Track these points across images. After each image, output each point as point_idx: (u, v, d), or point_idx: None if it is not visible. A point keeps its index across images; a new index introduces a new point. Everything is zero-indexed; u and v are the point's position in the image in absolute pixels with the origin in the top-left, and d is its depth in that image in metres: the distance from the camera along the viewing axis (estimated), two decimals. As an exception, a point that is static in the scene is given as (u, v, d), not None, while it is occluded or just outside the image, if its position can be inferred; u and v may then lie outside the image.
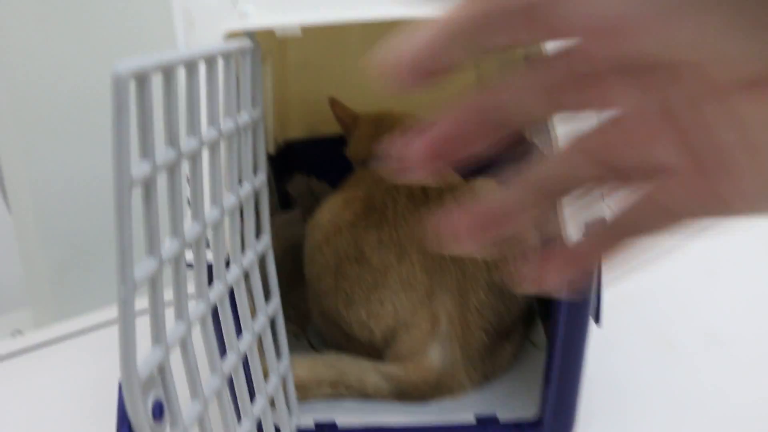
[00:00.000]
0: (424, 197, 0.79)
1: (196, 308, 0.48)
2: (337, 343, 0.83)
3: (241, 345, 0.56)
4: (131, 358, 0.37)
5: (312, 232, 0.81)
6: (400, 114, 1.03)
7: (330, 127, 1.09)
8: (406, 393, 0.73)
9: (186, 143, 0.45)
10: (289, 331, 0.90)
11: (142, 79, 0.38)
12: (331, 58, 1.14)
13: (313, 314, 0.83)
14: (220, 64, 0.51)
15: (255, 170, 0.62)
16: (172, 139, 0.43)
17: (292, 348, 0.87)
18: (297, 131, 1.15)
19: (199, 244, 0.47)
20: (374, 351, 0.77)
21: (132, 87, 0.36)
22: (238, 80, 0.56)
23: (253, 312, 0.63)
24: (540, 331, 0.83)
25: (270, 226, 0.96)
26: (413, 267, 0.74)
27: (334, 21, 0.56)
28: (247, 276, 0.60)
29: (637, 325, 0.92)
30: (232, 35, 0.57)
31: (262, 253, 0.64)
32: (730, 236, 1.19)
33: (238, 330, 0.58)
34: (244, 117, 0.57)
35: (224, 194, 0.54)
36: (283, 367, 0.66)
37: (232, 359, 0.53)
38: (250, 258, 0.60)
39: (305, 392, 0.74)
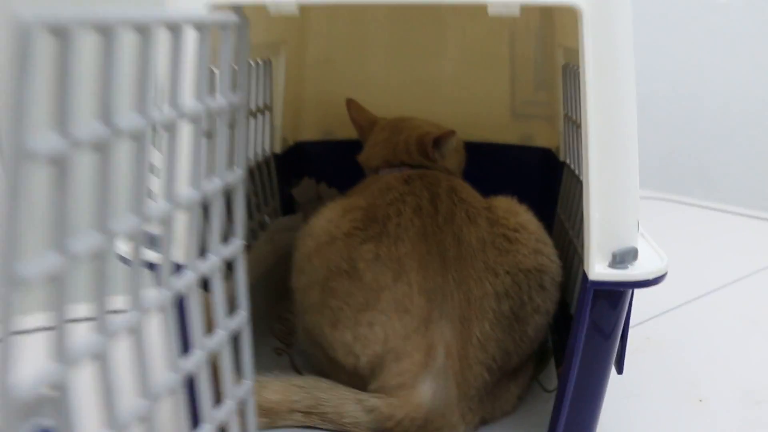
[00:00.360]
0: (433, 211, 0.70)
1: (127, 317, 0.40)
2: (320, 366, 0.74)
3: (187, 364, 0.48)
4: (6, 373, 0.29)
5: (303, 239, 0.73)
6: (421, 121, 0.94)
7: (347, 131, 1.01)
8: (387, 430, 0.64)
9: (126, 120, 0.37)
10: (271, 348, 0.82)
11: (62, 35, 0.30)
12: (355, 56, 1.07)
13: (298, 330, 0.75)
14: (191, 35, 0.43)
15: (231, 164, 0.53)
16: (104, 114, 0.35)
17: (272, 366, 0.79)
18: (311, 133, 1.07)
19: (135, 240, 0.39)
20: (359, 379, 0.68)
21: (47, 43, 0.29)
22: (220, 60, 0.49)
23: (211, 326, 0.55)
24: (553, 375, 0.73)
25: (264, 230, 0.89)
26: (411, 288, 0.65)
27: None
28: (208, 284, 0.52)
29: (664, 376, 0.82)
30: (218, 7, 0.49)
31: (230, 259, 0.56)
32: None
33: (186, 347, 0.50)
34: (220, 101, 0.49)
35: (182, 186, 0.46)
36: (242, 390, 0.58)
37: (170, 380, 0.45)
38: (211, 263, 0.52)
39: (274, 418, 0.66)
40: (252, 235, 0.85)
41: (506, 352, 0.67)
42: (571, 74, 0.83)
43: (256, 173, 0.88)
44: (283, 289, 0.90)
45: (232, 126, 0.58)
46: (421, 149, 0.90)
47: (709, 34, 1.76)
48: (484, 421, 0.67)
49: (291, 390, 0.67)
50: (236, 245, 0.57)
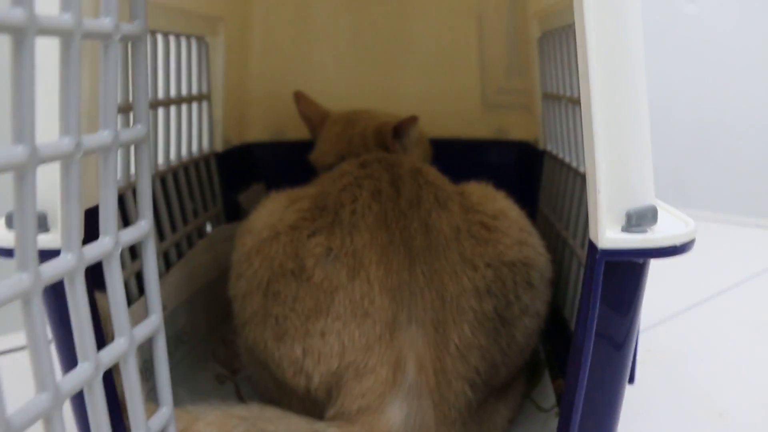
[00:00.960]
0: (394, 194, 0.58)
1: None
2: (268, 392, 0.61)
3: (68, 380, 0.35)
4: None
5: (241, 238, 0.61)
6: (377, 111, 0.83)
7: (300, 130, 0.89)
8: (352, 467, 0.51)
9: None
10: (212, 374, 0.69)
11: None
12: (306, 43, 0.95)
13: (241, 350, 0.62)
14: None
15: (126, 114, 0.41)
16: None
17: (212, 395, 0.65)
18: (258, 133, 0.95)
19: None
20: (313, 405, 0.55)
21: None
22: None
23: (110, 334, 0.42)
24: (548, 390, 0.61)
25: (206, 237, 0.76)
26: (370, 287, 0.53)
27: None
28: (96, 277, 0.39)
29: (675, 391, 0.70)
30: None
31: (136, 244, 0.43)
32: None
33: (72, 360, 0.37)
34: (104, 21, 0.37)
35: (47, 132, 0.34)
36: (159, 422, 0.44)
37: (41, 406, 0.32)
38: (103, 247, 0.39)
39: (211, 458, 0.52)
40: (188, 243, 0.72)
41: (492, 362, 0.54)
42: (549, 42, 0.72)
43: (192, 172, 0.75)
44: (225, 306, 0.77)
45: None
46: (379, 141, 0.79)
47: (679, 45, 1.70)
48: (468, 450, 0.55)
49: (230, 422, 0.53)
50: (142, 228, 0.44)
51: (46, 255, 0.34)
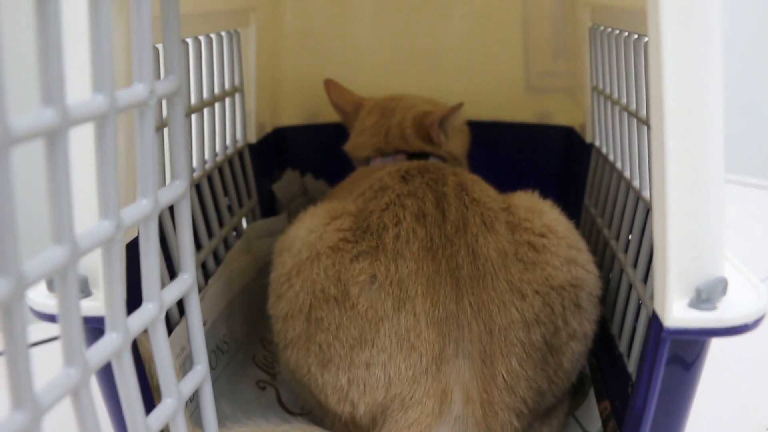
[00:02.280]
0: (440, 218, 0.56)
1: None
2: (309, 407, 0.61)
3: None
4: None
5: (280, 255, 0.59)
6: (413, 98, 0.80)
7: (333, 113, 0.86)
8: (397, 498, 0.51)
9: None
10: (252, 381, 0.69)
11: None
12: (339, 25, 0.92)
13: (280, 361, 0.61)
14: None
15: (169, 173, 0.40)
16: None
17: (254, 404, 0.65)
18: (291, 117, 0.93)
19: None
20: (357, 429, 0.55)
21: None
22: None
23: (159, 395, 0.41)
24: (593, 412, 0.60)
25: (240, 237, 0.75)
26: (417, 319, 0.52)
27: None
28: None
29: (715, 400, 0.68)
30: None
31: (180, 299, 0.42)
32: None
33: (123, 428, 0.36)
34: (141, 207, 0.35)
35: (85, 220, 0.32)
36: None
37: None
38: (148, 314, 0.38)
39: (256, 483, 0.53)
40: (224, 245, 0.71)
41: (539, 392, 0.53)
42: (603, 38, 0.68)
43: (227, 170, 0.74)
44: (264, 304, 0.77)
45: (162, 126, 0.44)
46: (420, 132, 0.76)
47: None
48: (512, 477, 0.54)
49: (273, 447, 0.53)
50: (186, 283, 0.43)
51: (89, 321, 0.34)
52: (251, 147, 0.82)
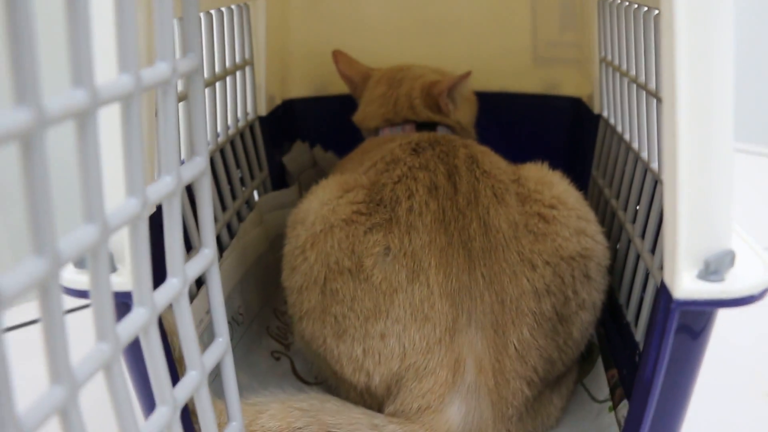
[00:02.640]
0: (451, 191, 0.57)
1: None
2: (324, 377, 0.62)
3: (151, 425, 0.36)
4: None
5: (294, 228, 0.60)
6: (420, 68, 0.80)
7: (342, 84, 0.87)
8: (411, 462, 0.53)
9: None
10: (267, 351, 0.70)
11: None
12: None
13: (294, 332, 0.62)
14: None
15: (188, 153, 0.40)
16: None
17: (269, 374, 0.67)
18: (300, 89, 0.93)
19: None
20: (371, 397, 0.56)
21: None
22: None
23: (182, 367, 0.43)
24: (600, 380, 0.61)
25: (252, 210, 0.76)
26: (430, 290, 0.53)
27: None
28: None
29: (717, 367, 0.69)
30: None
31: (201, 274, 0.43)
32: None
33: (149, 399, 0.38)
34: (164, 184, 0.36)
35: (113, 198, 0.33)
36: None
37: None
38: (172, 289, 0.39)
39: (275, 449, 0.54)
40: (237, 217, 0.72)
41: (549, 360, 0.55)
42: (612, 10, 0.68)
43: (238, 143, 0.74)
44: (277, 276, 0.78)
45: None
46: (429, 102, 0.77)
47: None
48: (523, 442, 0.56)
49: (293, 415, 0.55)
50: (206, 258, 0.44)
51: (116, 296, 0.35)
52: (261, 119, 0.82)
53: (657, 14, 0.52)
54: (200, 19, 0.52)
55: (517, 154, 0.89)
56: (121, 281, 0.42)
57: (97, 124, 0.29)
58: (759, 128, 1.65)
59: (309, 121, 0.93)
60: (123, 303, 0.40)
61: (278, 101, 0.88)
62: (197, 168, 0.41)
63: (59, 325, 0.28)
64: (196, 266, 0.42)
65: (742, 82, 1.55)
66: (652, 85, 0.56)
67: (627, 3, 0.62)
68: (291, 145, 0.91)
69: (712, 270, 0.36)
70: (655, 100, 0.55)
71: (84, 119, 0.29)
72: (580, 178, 0.82)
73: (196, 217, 0.58)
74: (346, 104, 0.86)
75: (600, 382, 0.61)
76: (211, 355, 0.44)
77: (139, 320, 0.36)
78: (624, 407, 0.55)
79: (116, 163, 0.34)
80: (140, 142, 0.33)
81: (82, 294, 0.42)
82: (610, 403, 0.58)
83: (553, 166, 0.85)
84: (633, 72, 0.62)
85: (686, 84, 0.36)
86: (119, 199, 0.34)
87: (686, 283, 0.36)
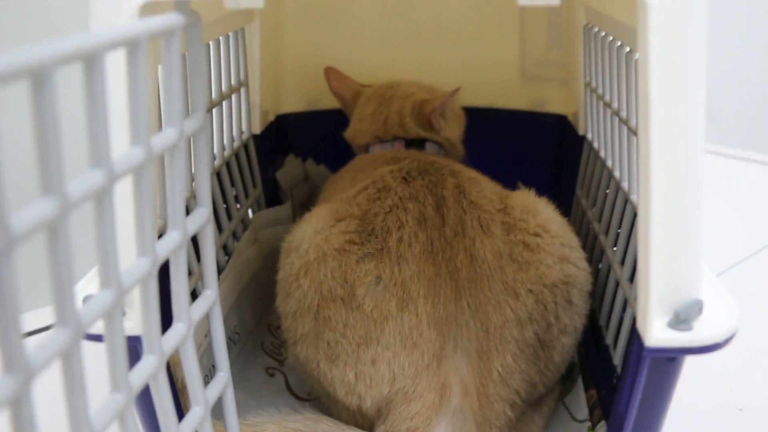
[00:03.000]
0: (439, 222, 0.60)
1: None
2: (317, 395, 0.65)
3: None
4: None
5: (288, 256, 0.63)
6: (409, 85, 0.83)
7: (334, 99, 0.89)
8: (400, 481, 0.56)
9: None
10: (262, 368, 0.73)
11: None
12: (339, 13, 0.93)
13: (289, 353, 0.65)
14: (117, 60, 0.32)
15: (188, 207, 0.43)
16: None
17: (264, 390, 0.70)
18: (293, 104, 0.95)
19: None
20: (363, 418, 0.59)
21: None
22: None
23: (185, 396, 0.45)
24: (580, 399, 0.65)
25: (247, 228, 0.78)
26: (419, 319, 0.56)
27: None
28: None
29: (693, 382, 0.73)
30: (151, 6, 0.37)
31: (205, 316, 0.45)
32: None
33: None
34: (169, 135, 0.38)
35: (126, 259, 0.35)
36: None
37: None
38: (180, 333, 0.41)
39: (271, 466, 0.57)
40: (233, 236, 0.74)
41: (531, 383, 0.58)
42: (597, 39, 0.71)
43: (234, 165, 0.77)
44: (269, 291, 0.81)
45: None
46: (420, 119, 0.80)
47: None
48: (506, 461, 0.59)
49: (286, 432, 0.58)
50: (209, 299, 0.46)
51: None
52: (255, 137, 0.84)
53: (638, 58, 0.54)
54: (205, 76, 0.53)
55: (505, 169, 0.92)
56: (131, 326, 0.44)
57: (112, 199, 0.32)
58: (748, 132, 1.68)
59: (301, 136, 0.96)
60: (132, 346, 0.43)
61: (272, 117, 0.91)
62: (201, 219, 0.43)
63: (80, 387, 0.30)
64: (199, 308, 0.45)
65: (737, 86, 1.58)
66: (633, 123, 0.58)
67: (611, 37, 0.64)
68: (283, 159, 0.93)
69: (682, 319, 0.39)
70: (635, 138, 0.58)
71: (101, 196, 0.31)
72: (566, 195, 0.86)
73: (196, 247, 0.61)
74: (338, 119, 0.89)
75: (580, 401, 0.64)
76: (213, 389, 0.47)
77: (149, 368, 0.38)
78: (602, 428, 0.58)
79: (128, 229, 0.36)
80: (151, 206, 0.36)
81: (96, 338, 0.44)
82: (589, 424, 0.61)
83: (540, 181, 0.88)
84: (615, 105, 0.64)
85: (658, 157, 0.39)
86: (131, 258, 0.36)
87: (657, 332, 0.39)
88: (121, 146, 0.34)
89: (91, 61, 0.29)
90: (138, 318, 0.45)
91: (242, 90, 0.80)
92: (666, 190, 0.39)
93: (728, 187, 1.28)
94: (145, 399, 0.49)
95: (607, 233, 0.67)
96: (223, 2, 0.40)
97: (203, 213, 0.43)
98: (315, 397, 0.67)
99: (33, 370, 0.27)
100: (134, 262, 0.36)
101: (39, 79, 0.25)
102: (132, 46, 0.32)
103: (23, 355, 0.26)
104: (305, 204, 0.91)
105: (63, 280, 0.29)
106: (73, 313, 0.30)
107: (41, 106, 0.26)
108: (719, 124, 1.68)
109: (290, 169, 0.92)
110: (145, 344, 0.38)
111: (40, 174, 0.27)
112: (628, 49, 0.58)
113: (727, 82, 1.70)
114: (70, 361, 0.30)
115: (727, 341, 0.39)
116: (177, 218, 0.40)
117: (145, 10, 0.36)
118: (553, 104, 0.91)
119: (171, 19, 0.35)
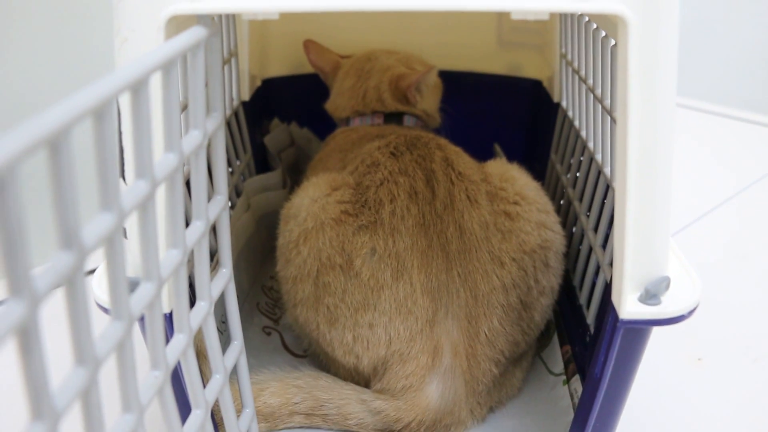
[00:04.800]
0: (429, 194, 0.64)
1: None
2: (314, 353, 0.70)
3: (189, 426, 0.43)
4: None
5: (286, 223, 0.66)
6: (387, 57, 0.85)
7: (317, 63, 0.91)
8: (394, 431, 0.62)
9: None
10: (258, 327, 0.78)
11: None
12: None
13: (288, 315, 0.70)
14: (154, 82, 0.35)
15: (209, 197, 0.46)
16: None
17: (261, 348, 0.74)
18: (278, 68, 0.97)
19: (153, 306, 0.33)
20: (359, 375, 0.64)
21: None
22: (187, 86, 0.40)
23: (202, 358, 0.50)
24: (556, 354, 0.71)
25: (240, 196, 0.82)
26: (413, 288, 0.60)
27: (327, 7, 0.40)
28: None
29: (661, 337, 0.79)
30: (177, 20, 0.40)
31: (220, 294, 0.50)
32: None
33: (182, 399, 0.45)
34: (194, 136, 0.41)
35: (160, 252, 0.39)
36: (245, 420, 0.54)
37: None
38: (203, 310, 0.46)
39: (275, 422, 0.63)
40: (230, 205, 0.78)
41: (514, 342, 0.63)
42: (573, 16, 0.74)
43: (226, 133, 0.79)
44: (262, 253, 0.85)
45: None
46: (397, 94, 0.83)
47: None
48: (491, 411, 0.65)
49: (291, 391, 0.63)
50: (224, 277, 0.50)
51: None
52: (244, 104, 0.87)
53: (614, 45, 0.58)
54: (222, 78, 0.54)
55: (482, 131, 0.96)
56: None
57: (155, 204, 0.36)
58: (713, 86, 1.73)
59: (286, 100, 0.98)
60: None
61: (258, 82, 0.93)
62: (219, 206, 0.47)
63: (131, 368, 0.35)
64: (217, 286, 0.49)
65: (701, 41, 1.60)
66: (608, 103, 0.63)
67: (587, 18, 0.68)
68: (269, 124, 0.96)
69: (651, 294, 0.45)
70: (609, 118, 0.62)
71: (146, 203, 0.35)
72: (541, 158, 0.90)
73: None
74: (321, 83, 0.91)
75: (555, 356, 0.70)
76: (229, 356, 0.51)
77: (180, 345, 0.42)
78: (576, 381, 0.64)
79: (162, 225, 0.40)
80: (182, 204, 0.40)
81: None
82: (564, 377, 0.67)
83: (516, 143, 0.93)
84: (590, 81, 0.69)
85: (635, 156, 0.43)
86: (164, 251, 0.40)
87: (629, 306, 0.45)
88: (157, 153, 0.37)
89: (138, 88, 0.32)
90: (166, 297, 0.49)
91: (233, 60, 0.82)
92: (640, 186, 0.44)
93: (691, 140, 1.35)
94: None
95: (581, 200, 0.72)
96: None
97: (221, 201, 0.47)
98: (311, 354, 0.72)
99: (100, 359, 0.31)
100: (167, 253, 0.40)
101: (100, 112, 0.29)
102: (168, 66, 0.35)
103: (92, 348, 0.30)
104: (291, 167, 0.94)
105: (119, 283, 0.32)
106: (126, 308, 0.34)
107: (102, 134, 0.29)
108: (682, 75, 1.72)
109: (277, 134, 0.94)
110: (176, 324, 0.43)
111: (100, 191, 0.31)
112: (604, 33, 0.62)
113: (691, 34, 1.74)
114: (124, 348, 0.34)
115: (690, 313, 0.45)
116: (201, 209, 0.44)
117: (171, 23, 0.39)
118: (529, 69, 0.95)
119: (196, 33, 0.38)
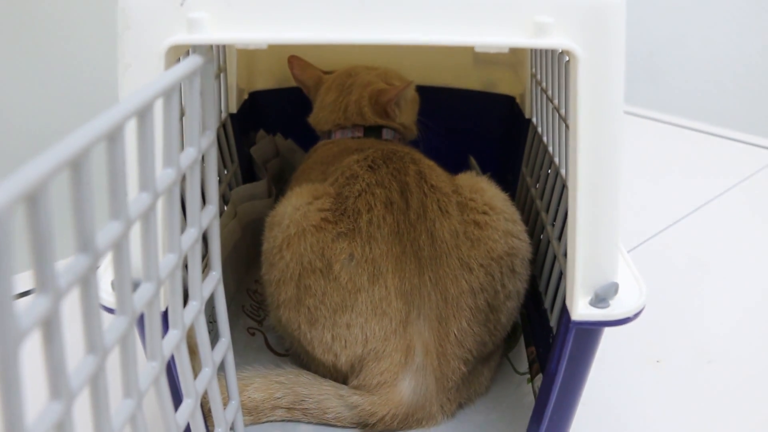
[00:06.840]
0: (404, 204, 0.69)
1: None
2: (296, 352, 0.75)
3: (180, 415, 0.48)
4: None
5: (271, 230, 0.71)
6: (366, 73, 0.90)
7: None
8: (370, 425, 0.66)
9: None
10: (243, 328, 0.82)
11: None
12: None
13: (271, 316, 0.74)
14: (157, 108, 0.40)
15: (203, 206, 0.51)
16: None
17: (246, 348, 0.79)
18: (264, 82, 1.02)
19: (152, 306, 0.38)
20: (338, 373, 0.69)
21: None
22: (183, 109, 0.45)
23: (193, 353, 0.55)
24: (522, 355, 0.76)
25: (229, 203, 0.86)
26: (388, 291, 0.65)
27: (313, 40, 0.45)
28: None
29: (618, 337, 0.85)
30: (175, 48, 0.44)
31: (210, 295, 0.54)
32: (722, 239, 1.10)
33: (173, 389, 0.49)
34: (190, 153, 0.46)
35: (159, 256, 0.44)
36: (231, 412, 0.58)
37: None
38: (195, 309, 0.50)
39: (258, 416, 0.67)
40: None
41: (482, 342, 0.68)
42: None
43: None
44: (247, 259, 0.89)
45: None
46: (377, 109, 0.87)
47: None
48: (460, 407, 0.70)
49: (273, 387, 0.67)
50: (213, 279, 0.55)
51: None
52: (232, 116, 0.91)
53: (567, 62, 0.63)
54: (215, 99, 0.59)
55: (458, 144, 1.01)
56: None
57: (157, 214, 0.40)
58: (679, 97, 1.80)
59: (271, 112, 1.03)
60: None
61: (246, 95, 0.97)
62: (210, 214, 0.52)
63: (133, 363, 0.39)
64: (207, 287, 0.53)
65: (675, 58, 1.66)
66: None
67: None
68: (256, 135, 1.00)
69: (600, 298, 0.50)
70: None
71: (148, 213, 0.39)
72: (513, 170, 0.95)
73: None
74: (304, 96, 0.96)
75: (521, 356, 0.75)
76: (218, 353, 0.56)
77: (174, 339, 0.47)
78: (539, 380, 0.69)
79: (161, 227, 0.44)
80: (179, 214, 0.44)
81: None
82: (528, 376, 0.72)
83: (490, 156, 0.98)
84: (556, 101, 0.74)
85: (585, 171, 0.48)
86: (161, 255, 0.44)
87: (580, 309, 0.50)
88: (157, 168, 0.42)
89: (143, 113, 0.36)
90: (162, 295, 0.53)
91: (222, 76, 0.86)
92: (590, 198, 0.49)
93: (664, 153, 1.41)
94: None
95: (547, 211, 0.77)
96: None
97: (212, 210, 0.52)
98: (293, 353, 0.77)
99: (107, 348, 0.36)
100: (165, 257, 0.44)
101: (113, 136, 0.33)
102: (169, 93, 0.40)
103: (101, 339, 0.35)
104: (276, 177, 0.99)
105: (124, 283, 0.37)
106: (130, 305, 0.38)
107: (113, 154, 0.34)
108: (656, 88, 1.79)
109: (263, 145, 0.99)
110: (171, 320, 0.47)
111: (111, 203, 0.35)
112: (567, 58, 0.67)
113: (666, 51, 1.81)
114: (127, 340, 0.38)
115: (636, 315, 0.50)
116: (194, 217, 0.48)
117: (170, 52, 0.43)
118: (503, 86, 1.00)
119: (193, 62, 0.43)
